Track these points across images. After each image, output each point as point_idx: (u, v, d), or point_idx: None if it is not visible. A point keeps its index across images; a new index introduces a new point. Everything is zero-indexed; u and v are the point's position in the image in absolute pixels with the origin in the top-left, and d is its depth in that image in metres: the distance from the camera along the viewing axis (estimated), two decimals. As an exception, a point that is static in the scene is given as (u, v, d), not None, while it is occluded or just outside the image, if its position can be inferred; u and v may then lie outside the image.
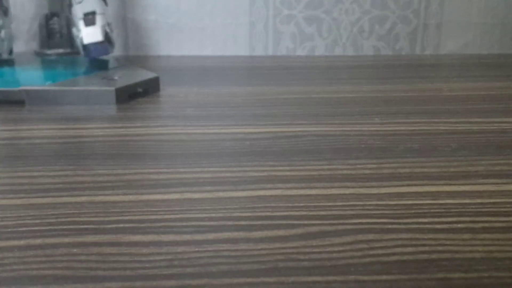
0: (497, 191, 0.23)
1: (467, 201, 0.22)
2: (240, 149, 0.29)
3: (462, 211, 0.21)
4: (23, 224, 0.20)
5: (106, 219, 0.21)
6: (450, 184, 0.24)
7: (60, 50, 0.58)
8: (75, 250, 0.18)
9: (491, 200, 0.22)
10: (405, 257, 0.18)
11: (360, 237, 0.19)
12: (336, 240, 0.19)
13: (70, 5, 0.51)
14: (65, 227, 0.20)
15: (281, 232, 0.19)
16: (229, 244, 0.19)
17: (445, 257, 0.18)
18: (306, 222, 0.20)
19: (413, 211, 0.21)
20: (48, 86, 0.40)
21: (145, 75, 0.45)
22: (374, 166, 0.26)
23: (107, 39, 0.50)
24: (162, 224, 0.20)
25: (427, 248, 0.18)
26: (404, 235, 0.19)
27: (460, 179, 0.25)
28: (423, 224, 0.20)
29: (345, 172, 0.26)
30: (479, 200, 0.22)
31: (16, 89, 0.40)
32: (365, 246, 0.19)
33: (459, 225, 0.20)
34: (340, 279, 0.17)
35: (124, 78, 0.44)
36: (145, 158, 0.28)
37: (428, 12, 0.61)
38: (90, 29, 0.49)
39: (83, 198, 0.23)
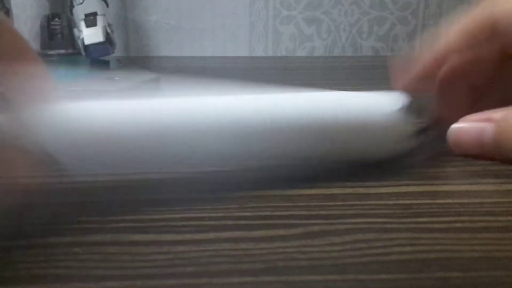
0: (495, 191, 0.23)
1: (466, 200, 0.22)
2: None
3: (460, 211, 0.21)
4: (24, 224, 0.20)
5: (107, 218, 0.21)
6: (449, 184, 0.24)
7: (62, 51, 0.58)
8: (76, 249, 0.18)
9: (490, 200, 0.22)
10: (404, 256, 0.18)
11: (360, 236, 0.19)
12: (336, 240, 0.19)
13: (71, 6, 0.52)
14: (66, 226, 0.20)
15: (281, 232, 0.20)
16: (229, 243, 0.19)
17: (444, 256, 0.18)
18: (306, 221, 0.20)
19: (412, 211, 0.21)
20: (49, 87, 0.40)
21: (146, 75, 0.45)
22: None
23: (108, 40, 0.50)
24: (163, 223, 0.20)
25: (425, 248, 0.18)
26: (403, 235, 0.19)
27: (458, 178, 0.25)
28: (422, 224, 0.20)
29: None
30: (477, 200, 0.22)
31: (17, 89, 0.40)
32: (364, 245, 0.19)
33: (458, 225, 0.20)
34: (340, 278, 0.17)
35: (125, 79, 0.44)
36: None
37: (427, 13, 0.61)
38: (91, 30, 0.49)
39: (84, 198, 0.23)
